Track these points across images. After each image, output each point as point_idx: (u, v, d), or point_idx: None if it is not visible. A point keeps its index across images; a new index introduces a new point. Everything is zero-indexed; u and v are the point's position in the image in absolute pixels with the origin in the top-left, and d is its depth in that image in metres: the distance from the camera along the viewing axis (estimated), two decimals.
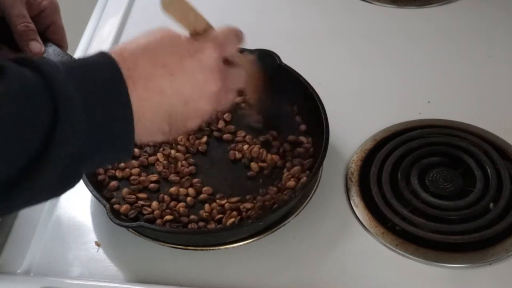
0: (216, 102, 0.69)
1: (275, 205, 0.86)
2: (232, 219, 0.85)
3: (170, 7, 0.69)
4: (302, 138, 0.95)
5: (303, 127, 0.97)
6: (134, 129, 0.63)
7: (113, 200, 0.89)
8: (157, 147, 0.95)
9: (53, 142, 0.57)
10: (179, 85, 0.66)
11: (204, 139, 0.96)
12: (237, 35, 0.73)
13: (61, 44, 0.91)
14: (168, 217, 0.86)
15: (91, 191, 0.86)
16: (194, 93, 0.67)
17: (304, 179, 0.89)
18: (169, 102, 0.65)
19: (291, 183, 0.89)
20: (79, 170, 0.62)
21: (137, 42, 0.67)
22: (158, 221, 0.86)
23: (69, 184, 0.62)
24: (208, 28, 0.71)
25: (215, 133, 0.97)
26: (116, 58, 0.63)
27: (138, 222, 0.84)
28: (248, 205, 0.87)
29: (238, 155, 0.94)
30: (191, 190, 0.90)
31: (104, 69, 0.62)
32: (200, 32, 0.70)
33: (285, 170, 0.92)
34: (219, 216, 0.86)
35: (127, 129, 0.62)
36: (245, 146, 0.94)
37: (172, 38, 0.68)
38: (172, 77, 0.65)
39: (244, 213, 0.86)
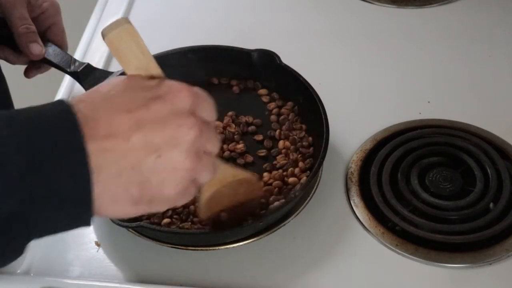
0: (195, 157, 0.57)
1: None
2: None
3: (115, 37, 0.58)
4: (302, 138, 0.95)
5: (303, 127, 0.96)
6: (91, 188, 0.52)
7: None
8: None
9: None
10: (148, 132, 0.55)
11: None
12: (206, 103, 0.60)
13: (62, 44, 0.91)
14: (166, 220, 0.86)
15: None
16: (166, 141, 0.55)
17: (304, 179, 0.89)
18: (137, 154, 0.54)
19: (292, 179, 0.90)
20: (21, 243, 0.52)
21: (97, 88, 0.57)
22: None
23: (8, 259, 0.53)
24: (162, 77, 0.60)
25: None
26: (72, 105, 0.53)
27: (138, 222, 0.84)
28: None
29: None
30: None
31: (55, 117, 0.52)
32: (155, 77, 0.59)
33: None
34: None
35: (82, 188, 0.51)
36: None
37: (137, 81, 0.58)
38: (138, 123, 0.55)
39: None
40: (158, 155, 0.55)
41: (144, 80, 0.58)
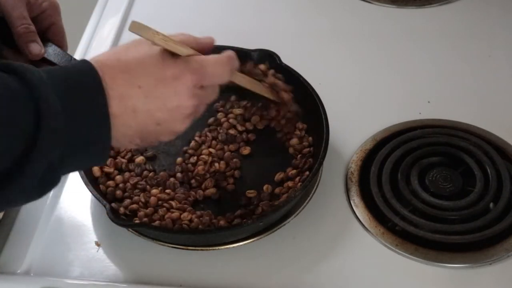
0: (189, 122, 0.72)
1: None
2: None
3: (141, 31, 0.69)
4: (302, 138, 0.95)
5: (303, 126, 0.96)
6: (110, 139, 0.65)
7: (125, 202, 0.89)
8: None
9: (34, 149, 0.59)
10: (152, 108, 0.68)
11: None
12: (228, 63, 0.75)
13: (61, 44, 0.91)
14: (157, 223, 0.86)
15: (91, 191, 0.86)
16: (166, 116, 0.69)
17: (305, 175, 0.89)
18: (141, 122, 0.68)
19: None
20: (58, 174, 0.64)
21: (119, 55, 0.68)
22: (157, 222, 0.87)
23: (48, 187, 0.64)
24: (187, 53, 0.71)
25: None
26: (97, 70, 0.65)
27: (138, 222, 0.84)
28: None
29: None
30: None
31: (86, 80, 0.65)
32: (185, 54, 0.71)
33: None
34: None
35: (104, 139, 0.65)
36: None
37: (153, 59, 0.69)
38: (145, 99, 0.67)
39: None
40: (157, 124, 0.69)
41: (159, 58, 0.69)
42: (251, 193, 0.90)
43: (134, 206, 0.87)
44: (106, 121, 0.65)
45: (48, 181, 0.63)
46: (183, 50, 0.70)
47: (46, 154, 0.60)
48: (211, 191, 0.90)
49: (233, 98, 1.00)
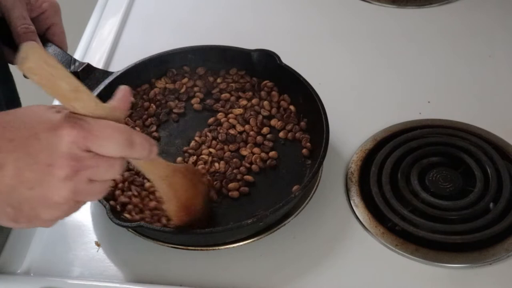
0: (70, 192, 0.61)
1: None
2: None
3: (33, 69, 0.57)
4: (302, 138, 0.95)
5: (303, 125, 0.96)
6: None
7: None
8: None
9: None
10: (21, 165, 0.59)
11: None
12: (129, 141, 0.62)
13: (61, 45, 0.91)
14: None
15: None
16: (36, 177, 0.59)
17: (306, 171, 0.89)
18: (9, 182, 0.59)
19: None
20: None
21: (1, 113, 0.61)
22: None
23: None
24: (101, 112, 0.60)
25: None
26: None
27: (138, 222, 0.84)
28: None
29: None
30: None
31: None
32: (87, 113, 0.60)
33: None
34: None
35: None
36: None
37: (36, 111, 0.61)
38: (15, 154, 0.59)
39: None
40: (30, 187, 0.59)
41: (43, 111, 0.60)
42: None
43: (126, 199, 0.87)
44: None
45: None
46: (88, 106, 0.59)
47: None
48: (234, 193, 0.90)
49: (233, 98, 1.00)
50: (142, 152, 0.63)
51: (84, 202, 0.64)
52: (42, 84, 0.58)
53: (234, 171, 0.91)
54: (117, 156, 0.62)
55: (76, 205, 0.63)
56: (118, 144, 0.61)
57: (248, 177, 0.91)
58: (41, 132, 0.59)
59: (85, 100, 0.60)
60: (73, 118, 0.60)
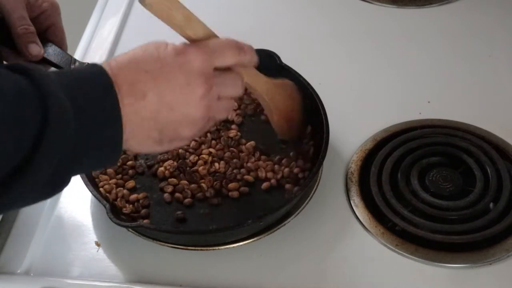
0: (206, 108, 0.69)
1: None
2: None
3: (152, 4, 0.67)
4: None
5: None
6: (122, 135, 0.63)
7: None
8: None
9: (42, 147, 0.58)
10: (162, 90, 0.66)
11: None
12: (239, 48, 0.72)
13: (61, 45, 0.91)
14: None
15: (91, 191, 0.86)
16: (177, 97, 0.66)
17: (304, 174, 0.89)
18: (154, 108, 0.65)
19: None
20: (68, 174, 0.63)
21: (126, 53, 0.68)
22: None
23: (58, 187, 0.63)
24: (208, 35, 0.70)
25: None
26: (105, 67, 0.65)
27: (138, 222, 0.84)
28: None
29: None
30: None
31: (93, 77, 0.64)
32: (198, 38, 0.69)
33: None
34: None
35: (116, 135, 0.63)
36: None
37: (157, 46, 0.68)
38: (154, 82, 0.65)
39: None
40: (171, 108, 0.66)
41: (163, 45, 0.68)
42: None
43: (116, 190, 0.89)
44: (117, 120, 0.63)
45: (58, 180, 0.62)
46: (199, 32, 0.68)
47: (54, 151, 0.59)
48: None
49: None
50: (250, 54, 0.73)
51: (215, 120, 0.73)
52: (160, 16, 0.68)
53: (234, 171, 0.92)
54: (235, 62, 0.71)
55: (208, 122, 0.71)
56: (233, 53, 0.71)
57: (248, 177, 0.91)
58: (170, 59, 0.66)
59: (196, 28, 0.69)
60: (199, 46, 0.68)
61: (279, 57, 0.99)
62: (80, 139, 0.61)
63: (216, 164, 0.93)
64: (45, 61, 0.91)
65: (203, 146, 0.95)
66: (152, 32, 1.26)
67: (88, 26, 1.20)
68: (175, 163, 0.92)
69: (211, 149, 0.95)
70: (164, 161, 0.93)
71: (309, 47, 1.16)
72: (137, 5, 1.24)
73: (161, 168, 0.92)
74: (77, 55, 1.12)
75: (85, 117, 0.61)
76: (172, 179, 0.91)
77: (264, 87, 0.83)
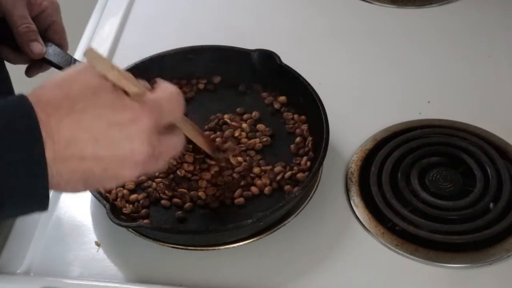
0: (141, 170, 0.64)
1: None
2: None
3: (94, 60, 0.62)
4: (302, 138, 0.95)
5: (304, 127, 0.96)
6: (48, 188, 0.59)
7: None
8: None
9: None
10: (101, 153, 0.61)
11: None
12: (180, 96, 0.66)
13: (62, 44, 0.91)
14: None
15: (91, 191, 0.86)
16: (116, 162, 0.62)
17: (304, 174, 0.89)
18: (88, 168, 0.61)
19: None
20: None
21: (65, 90, 0.61)
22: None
23: None
24: (142, 92, 0.63)
25: None
26: (35, 110, 0.58)
27: (138, 222, 0.84)
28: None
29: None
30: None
31: (20, 124, 0.58)
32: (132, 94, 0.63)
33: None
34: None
35: (41, 188, 0.59)
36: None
37: (107, 98, 0.61)
38: (95, 143, 0.60)
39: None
40: (105, 169, 0.62)
41: (112, 97, 0.61)
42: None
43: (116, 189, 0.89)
44: (42, 171, 0.58)
45: None
46: (135, 90, 0.62)
47: None
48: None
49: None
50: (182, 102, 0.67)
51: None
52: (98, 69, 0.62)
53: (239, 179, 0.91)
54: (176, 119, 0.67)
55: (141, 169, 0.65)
56: (179, 112, 0.66)
57: (254, 189, 0.90)
58: (122, 122, 0.61)
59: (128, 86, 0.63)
60: (145, 104, 0.62)
61: (279, 57, 0.99)
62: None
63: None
64: (45, 61, 0.91)
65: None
66: (152, 32, 1.27)
67: (88, 26, 1.20)
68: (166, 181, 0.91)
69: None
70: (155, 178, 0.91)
71: (309, 47, 1.16)
72: (137, 5, 1.25)
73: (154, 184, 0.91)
74: (77, 55, 1.12)
75: (3, 170, 0.57)
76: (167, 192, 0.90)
77: (190, 128, 0.80)
